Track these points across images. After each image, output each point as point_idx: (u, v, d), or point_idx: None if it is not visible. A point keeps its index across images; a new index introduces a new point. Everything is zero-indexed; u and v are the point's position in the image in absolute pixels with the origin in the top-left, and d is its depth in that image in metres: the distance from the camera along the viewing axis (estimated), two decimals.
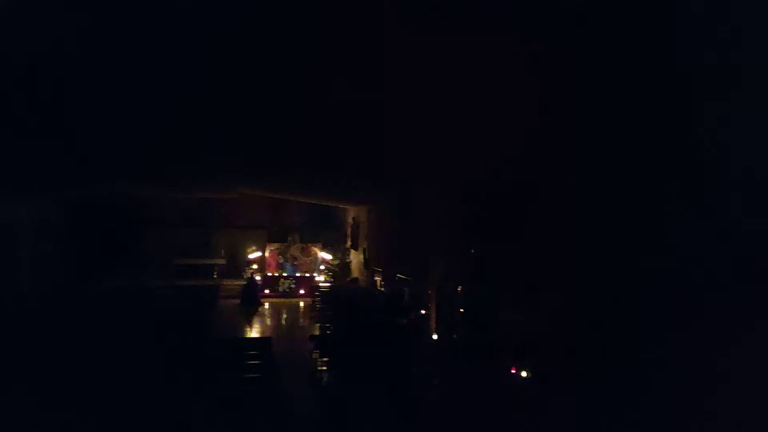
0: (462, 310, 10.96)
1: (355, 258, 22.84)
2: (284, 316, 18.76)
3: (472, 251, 10.62)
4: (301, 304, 21.04)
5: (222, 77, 5.82)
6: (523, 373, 8.34)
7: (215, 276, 22.88)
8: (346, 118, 7.39)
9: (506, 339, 9.03)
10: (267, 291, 22.04)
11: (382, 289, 17.64)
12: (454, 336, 11.08)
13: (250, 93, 6.51)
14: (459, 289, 11.09)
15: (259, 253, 23.40)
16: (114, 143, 9.83)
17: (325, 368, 9.30)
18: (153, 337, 9.62)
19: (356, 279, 22.21)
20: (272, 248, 23.39)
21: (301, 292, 22.21)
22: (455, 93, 5.64)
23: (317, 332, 14.66)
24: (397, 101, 6.35)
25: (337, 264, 23.59)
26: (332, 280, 22.83)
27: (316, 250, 23.47)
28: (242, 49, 4.95)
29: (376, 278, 18.67)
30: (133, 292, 17.34)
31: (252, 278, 20.90)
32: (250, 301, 19.85)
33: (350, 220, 23.30)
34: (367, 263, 20.39)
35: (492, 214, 9.85)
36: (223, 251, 24.16)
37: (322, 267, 23.41)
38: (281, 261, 23.25)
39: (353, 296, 17.00)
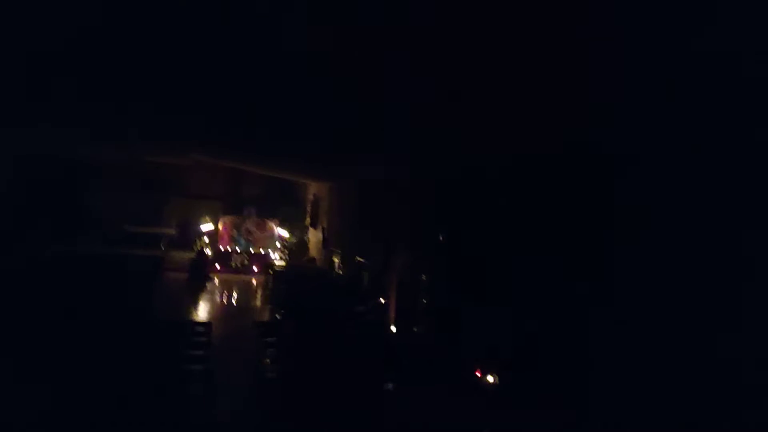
0: (425, 301, 10.12)
1: (314, 237, 21.81)
2: (234, 294, 17.61)
3: (441, 238, 9.74)
4: (254, 281, 19.92)
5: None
6: (489, 378, 7.56)
7: (162, 247, 21.48)
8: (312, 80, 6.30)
9: (472, 337, 8.24)
10: (218, 266, 20.79)
11: (340, 272, 16.71)
12: (415, 330, 10.24)
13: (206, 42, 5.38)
14: (423, 277, 10.23)
15: (211, 226, 22.07)
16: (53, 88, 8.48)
17: (270, 360, 8.31)
18: (66, 313, 8.43)
19: (313, 259, 21.25)
20: (226, 221, 22.10)
21: (255, 269, 21.07)
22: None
23: (267, 315, 13.62)
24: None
25: (295, 242, 22.50)
26: (288, 258, 21.76)
27: (273, 225, 22.30)
28: None
29: (335, 259, 17.72)
30: (67, 258, 15.87)
31: (202, 251, 19.63)
32: (197, 276, 18.64)
33: (310, 197, 22.21)
34: (325, 243, 19.41)
35: (464, 198, 8.99)
36: (174, 220, 22.76)
37: (278, 244, 22.27)
38: (235, 235, 22.01)
39: (308, 279, 16.04)
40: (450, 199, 9.45)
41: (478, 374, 7.81)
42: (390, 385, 7.38)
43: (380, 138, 9.18)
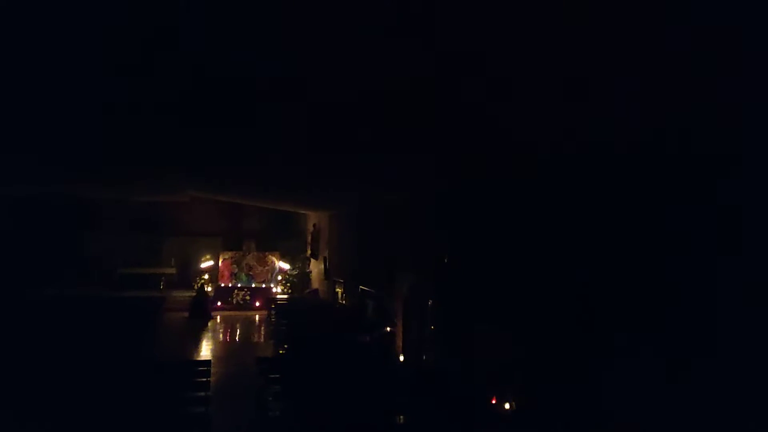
0: (433, 327, 9.70)
1: (315, 268, 21.43)
2: (237, 331, 17.15)
3: (445, 261, 9.39)
4: (257, 317, 19.45)
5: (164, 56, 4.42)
6: (506, 405, 7.12)
7: (162, 287, 21.07)
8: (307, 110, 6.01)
9: (485, 362, 7.82)
10: (219, 303, 20.36)
11: (344, 302, 16.29)
12: (424, 357, 9.80)
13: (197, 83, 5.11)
14: (429, 303, 9.84)
15: (211, 262, 21.70)
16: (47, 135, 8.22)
17: (273, 398, 7.86)
18: (60, 358, 8.06)
19: (316, 290, 20.84)
20: (226, 257, 21.75)
21: (257, 304, 20.61)
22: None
23: (270, 351, 13.16)
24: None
25: (296, 274, 22.10)
26: (290, 291, 21.33)
27: (274, 259, 21.93)
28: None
29: (338, 290, 17.31)
30: (62, 302, 15.47)
31: (202, 289, 19.21)
32: (199, 315, 18.20)
33: (311, 227, 21.91)
34: (327, 273, 19.02)
35: (468, 218, 8.66)
36: (173, 260, 22.39)
37: (279, 277, 21.87)
38: (236, 271, 21.63)
39: (311, 311, 15.62)
40: (453, 220, 9.12)
41: (494, 401, 7.38)
42: (400, 418, 6.93)
43: (379, 166, 8.90)
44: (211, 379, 8.24)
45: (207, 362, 8.57)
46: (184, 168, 11.79)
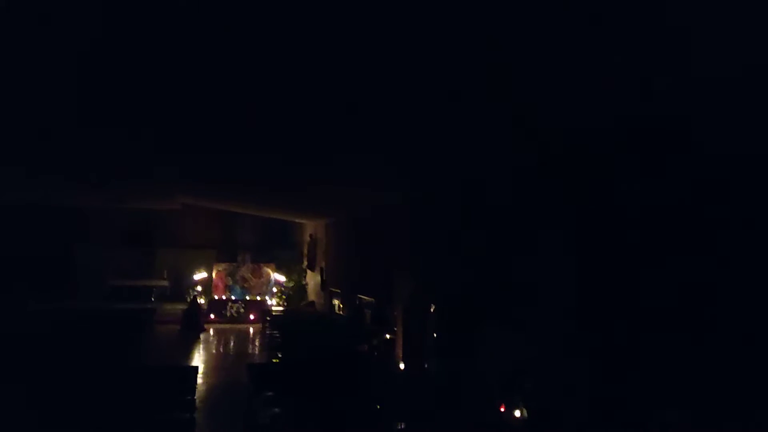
0: (435, 333, 9.15)
1: (312, 280, 20.87)
2: (230, 344, 16.55)
3: (446, 264, 8.89)
4: (251, 330, 18.85)
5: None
6: (517, 413, 6.56)
7: (153, 299, 20.47)
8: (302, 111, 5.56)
9: (491, 368, 7.27)
10: (213, 316, 19.74)
11: (341, 312, 15.74)
12: (426, 365, 9.23)
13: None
14: (431, 308, 9.30)
15: (205, 274, 21.11)
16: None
17: (263, 405, 7.29)
18: (47, 371, 7.58)
19: (312, 303, 20.28)
20: (220, 269, 21.18)
21: (251, 317, 20.00)
22: None
23: (263, 360, 12.57)
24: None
25: (292, 286, 21.52)
26: (286, 304, 20.73)
27: (269, 270, 21.36)
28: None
29: (335, 301, 16.76)
30: (51, 315, 14.90)
31: (194, 301, 18.63)
32: (191, 327, 17.58)
33: (307, 238, 21.38)
34: (324, 284, 18.46)
35: (470, 219, 8.17)
36: (166, 272, 21.78)
37: (275, 290, 21.28)
38: (230, 283, 21.04)
39: (305, 321, 15.08)
40: (455, 218, 8.64)
41: (503, 410, 6.82)
42: (402, 425, 6.37)
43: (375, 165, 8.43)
44: (201, 388, 7.70)
45: (194, 368, 8.01)
46: (175, 168, 11.30)
